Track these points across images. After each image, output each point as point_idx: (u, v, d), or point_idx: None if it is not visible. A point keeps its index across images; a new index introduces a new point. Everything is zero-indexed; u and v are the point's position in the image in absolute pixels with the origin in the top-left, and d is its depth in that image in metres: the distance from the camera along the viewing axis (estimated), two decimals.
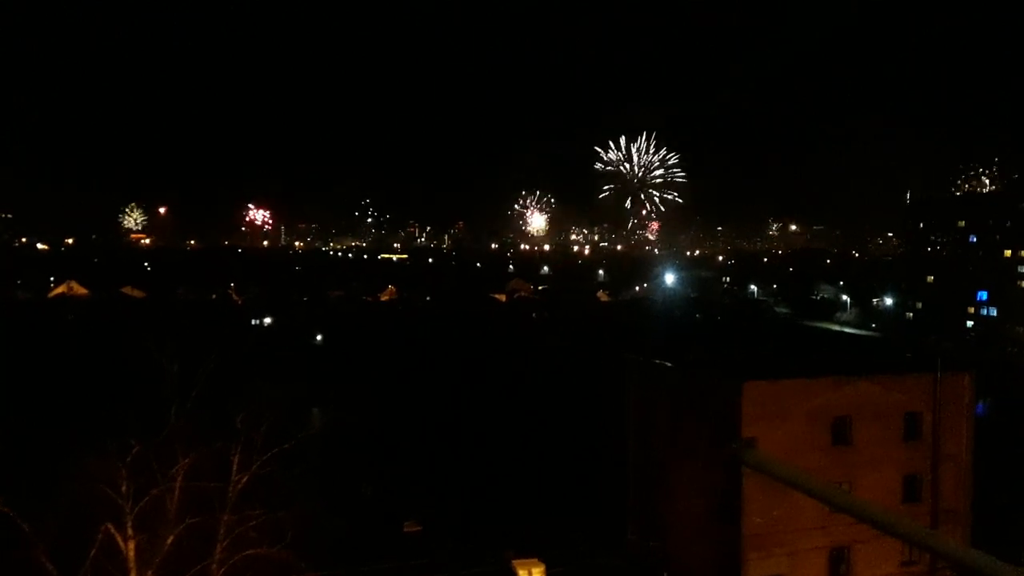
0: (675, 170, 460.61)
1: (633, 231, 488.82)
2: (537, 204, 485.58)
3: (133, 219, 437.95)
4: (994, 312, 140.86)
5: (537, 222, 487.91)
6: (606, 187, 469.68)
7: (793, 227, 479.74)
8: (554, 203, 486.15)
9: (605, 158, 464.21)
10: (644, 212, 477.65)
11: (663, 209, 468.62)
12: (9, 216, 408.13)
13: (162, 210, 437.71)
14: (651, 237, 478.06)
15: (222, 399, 28.24)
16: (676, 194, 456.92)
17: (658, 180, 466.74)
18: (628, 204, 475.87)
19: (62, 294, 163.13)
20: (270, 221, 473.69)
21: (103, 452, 26.30)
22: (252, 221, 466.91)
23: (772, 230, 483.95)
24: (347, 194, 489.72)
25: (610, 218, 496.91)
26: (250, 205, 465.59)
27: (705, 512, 37.46)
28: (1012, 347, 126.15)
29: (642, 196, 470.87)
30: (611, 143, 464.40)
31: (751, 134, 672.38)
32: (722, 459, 27.52)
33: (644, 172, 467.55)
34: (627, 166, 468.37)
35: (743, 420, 34.60)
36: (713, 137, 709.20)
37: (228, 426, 28.20)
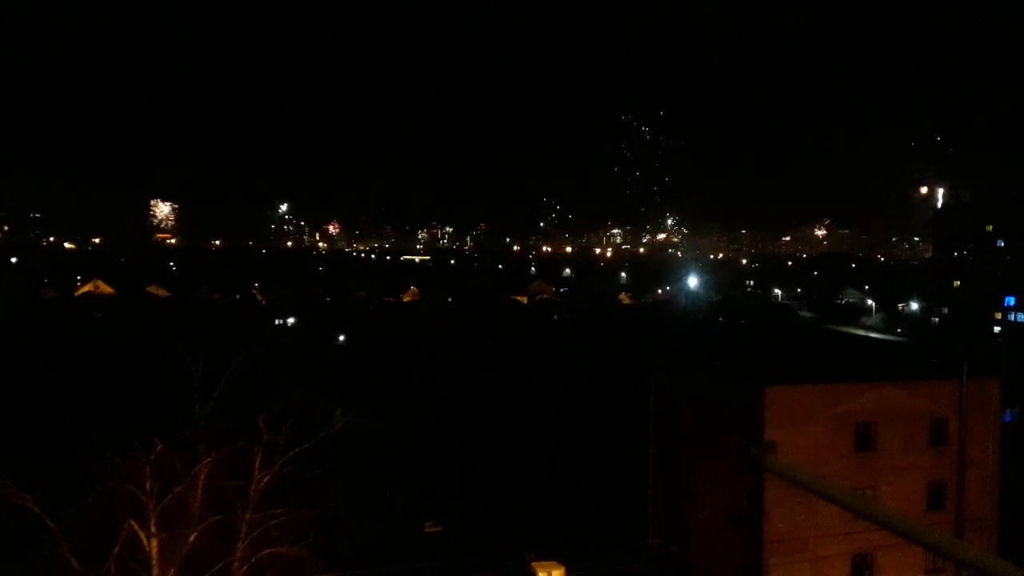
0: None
1: (656, 232, 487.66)
2: (559, 206, 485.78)
3: (160, 216, 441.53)
4: (1022, 317, 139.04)
5: (558, 224, 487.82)
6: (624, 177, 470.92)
7: (818, 231, 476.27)
8: (576, 205, 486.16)
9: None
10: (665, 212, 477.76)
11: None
12: (37, 215, 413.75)
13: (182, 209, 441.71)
14: (674, 239, 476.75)
15: (245, 398, 28.40)
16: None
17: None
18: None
19: (88, 292, 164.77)
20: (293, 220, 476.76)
21: (127, 450, 26.55)
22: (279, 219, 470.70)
23: (796, 233, 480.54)
24: (370, 195, 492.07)
25: (632, 220, 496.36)
26: (279, 206, 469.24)
27: (727, 517, 37.24)
28: None
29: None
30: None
31: (775, 136, 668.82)
32: (743, 464, 27.40)
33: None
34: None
35: (766, 425, 34.39)
36: (737, 139, 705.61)
37: (251, 426, 28.37)
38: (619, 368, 77.75)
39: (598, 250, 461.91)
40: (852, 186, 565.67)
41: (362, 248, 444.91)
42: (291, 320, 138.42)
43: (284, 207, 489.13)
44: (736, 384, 38.59)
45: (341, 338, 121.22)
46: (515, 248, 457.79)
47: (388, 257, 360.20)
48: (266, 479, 28.43)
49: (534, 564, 41.20)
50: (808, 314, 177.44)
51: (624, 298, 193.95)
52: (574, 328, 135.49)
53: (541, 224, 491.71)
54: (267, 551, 27.74)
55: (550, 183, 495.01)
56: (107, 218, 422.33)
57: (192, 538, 27.27)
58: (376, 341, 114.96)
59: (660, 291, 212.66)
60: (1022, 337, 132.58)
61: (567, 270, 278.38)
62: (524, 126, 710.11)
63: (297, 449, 28.83)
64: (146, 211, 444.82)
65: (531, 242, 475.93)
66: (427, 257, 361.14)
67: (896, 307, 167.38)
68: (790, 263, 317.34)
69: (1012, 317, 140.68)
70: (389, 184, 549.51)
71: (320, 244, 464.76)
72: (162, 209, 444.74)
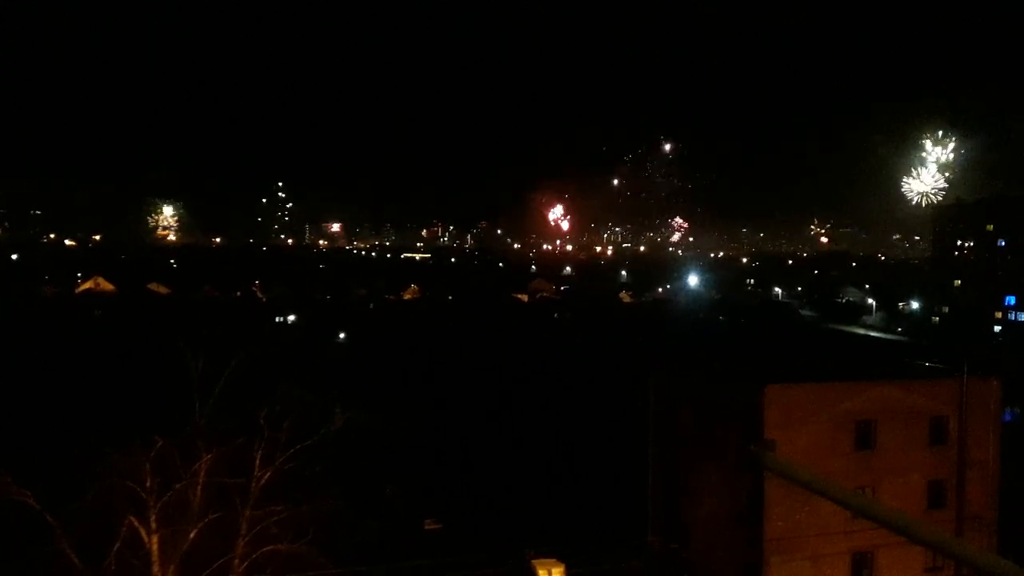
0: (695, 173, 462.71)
1: (657, 231, 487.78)
2: (561, 204, 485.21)
3: (160, 216, 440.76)
4: (1022, 317, 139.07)
5: (560, 223, 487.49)
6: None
7: (819, 229, 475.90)
8: (578, 203, 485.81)
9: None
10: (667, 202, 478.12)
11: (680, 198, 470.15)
12: (38, 213, 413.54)
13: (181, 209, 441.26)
14: (674, 238, 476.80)
15: (245, 397, 28.41)
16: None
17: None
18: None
19: (89, 289, 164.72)
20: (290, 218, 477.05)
21: (128, 447, 26.58)
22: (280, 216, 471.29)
23: (797, 232, 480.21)
24: (371, 193, 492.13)
25: (633, 218, 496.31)
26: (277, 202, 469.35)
27: (727, 515, 37.26)
28: None
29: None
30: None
31: (776, 135, 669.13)
32: (742, 462, 27.41)
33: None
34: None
35: (765, 423, 34.38)
36: (739, 139, 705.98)
37: (251, 423, 28.39)
38: (619, 367, 77.73)
39: (599, 248, 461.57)
40: (853, 184, 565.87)
41: (362, 246, 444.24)
42: (291, 318, 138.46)
43: (285, 203, 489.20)
44: (735, 383, 38.60)
45: (341, 336, 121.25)
46: (516, 246, 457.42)
47: (388, 255, 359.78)
48: (266, 476, 28.46)
49: (534, 562, 41.23)
50: (809, 313, 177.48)
51: (624, 296, 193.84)
52: (574, 327, 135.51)
53: (542, 221, 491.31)
54: (267, 548, 27.78)
55: (551, 181, 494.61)
56: (108, 215, 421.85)
57: (192, 535, 27.31)
58: (376, 339, 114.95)
59: (660, 289, 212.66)
60: (1022, 336, 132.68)
61: (568, 268, 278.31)
62: (525, 125, 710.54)
63: (298, 446, 28.85)
64: (147, 208, 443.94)
65: (531, 240, 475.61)
66: (428, 255, 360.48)
67: (896, 306, 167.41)
68: (790, 262, 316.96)
69: (1012, 316, 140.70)
70: (390, 182, 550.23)
71: (320, 242, 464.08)
72: (161, 205, 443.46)
